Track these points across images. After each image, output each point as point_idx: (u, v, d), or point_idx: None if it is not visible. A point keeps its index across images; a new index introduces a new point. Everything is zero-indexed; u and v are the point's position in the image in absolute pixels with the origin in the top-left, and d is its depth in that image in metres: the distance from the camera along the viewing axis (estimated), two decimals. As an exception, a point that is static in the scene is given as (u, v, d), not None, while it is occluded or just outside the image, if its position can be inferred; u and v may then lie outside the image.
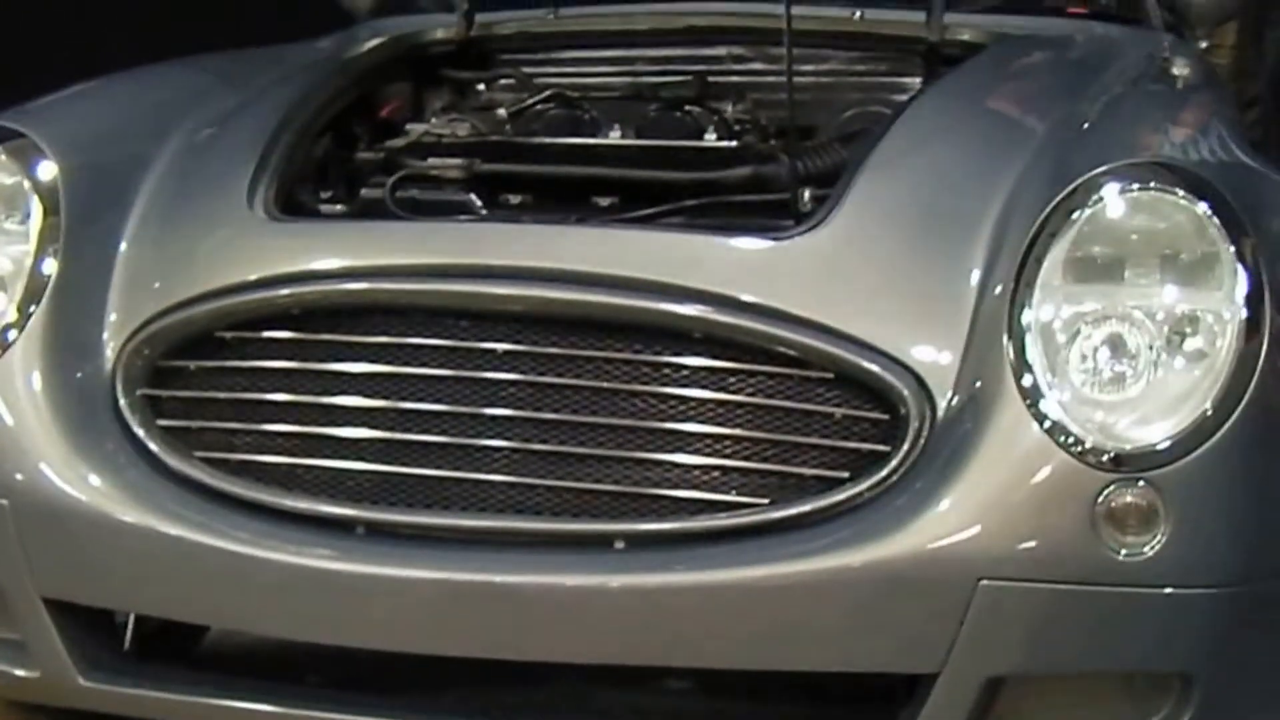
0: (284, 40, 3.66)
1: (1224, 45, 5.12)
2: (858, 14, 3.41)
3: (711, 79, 3.27)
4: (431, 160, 2.92)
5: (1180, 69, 3.29)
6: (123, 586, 2.64)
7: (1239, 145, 2.84)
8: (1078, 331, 2.43)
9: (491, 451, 2.54)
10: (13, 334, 2.70)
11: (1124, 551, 2.35)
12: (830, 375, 2.49)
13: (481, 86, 3.42)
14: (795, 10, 2.87)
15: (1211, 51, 4.08)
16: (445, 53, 3.53)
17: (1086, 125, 2.78)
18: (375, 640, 2.51)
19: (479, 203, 2.84)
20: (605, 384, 2.52)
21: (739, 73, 3.41)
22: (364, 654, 2.55)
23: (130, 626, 2.80)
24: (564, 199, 2.84)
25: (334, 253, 2.70)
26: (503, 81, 3.41)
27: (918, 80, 3.34)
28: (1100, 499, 2.35)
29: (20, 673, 2.73)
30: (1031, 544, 2.36)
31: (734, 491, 2.48)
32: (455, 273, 2.61)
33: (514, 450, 2.53)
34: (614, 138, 2.99)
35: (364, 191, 2.91)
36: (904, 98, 3.16)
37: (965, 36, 3.34)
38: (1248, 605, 2.43)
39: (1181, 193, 2.44)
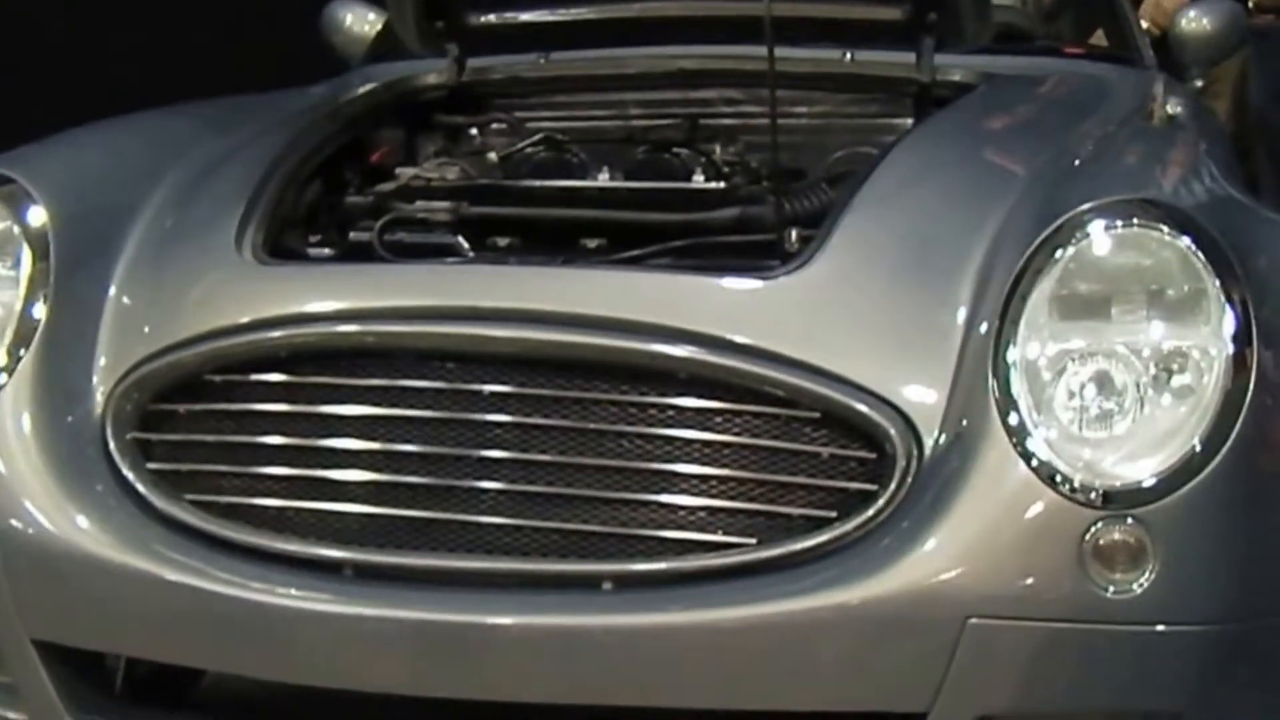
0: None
1: (1222, 83, 5.14)
2: (848, 56, 3.43)
3: (703, 122, 3.28)
4: (419, 203, 2.93)
5: (1172, 108, 3.30)
6: (111, 629, 2.63)
7: (1229, 182, 2.84)
8: (1064, 369, 2.42)
9: (480, 493, 2.54)
10: (2, 378, 2.70)
11: (1112, 589, 2.34)
12: (817, 415, 2.48)
13: (474, 131, 3.43)
14: (786, 53, 2.87)
15: (1205, 92, 4.09)
16: (437, 98, 3.55)
17: (1076, 164, 2.79)
18: (362, 682, 2.50)
19: (466, 245, 2.84)
20: (592, 425, 2.52)
21: (730, 115, 3.42)
22: (360, 698, 2.54)
23: (121, 669, 2.79)
24: (552, 241, 2.85)
25: (321, 296, 2.71)
26: (495, 126, 3.42)
27: (909, 121, 3.35)
28: (1087, 536, 2.34)
29: (10, 715, 2.72)
30: (1019, 582, 2.35)
31: (721, 531, 2.47)
32: (442, 315, 2.61)
33: (502, 491, 2.53)
34: (602, 180, 2.99)
35: (352, 235, 2.92)
36: (895, 139, 3.16)
37: (956, 77, 3.35)
38: (1238, 643, 2.42)
39: (1166, 228, 2.44)
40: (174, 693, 2.92)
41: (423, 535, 2.54)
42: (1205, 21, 3.89)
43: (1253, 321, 2.41)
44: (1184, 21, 3.90)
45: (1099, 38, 4.19)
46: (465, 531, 2.53)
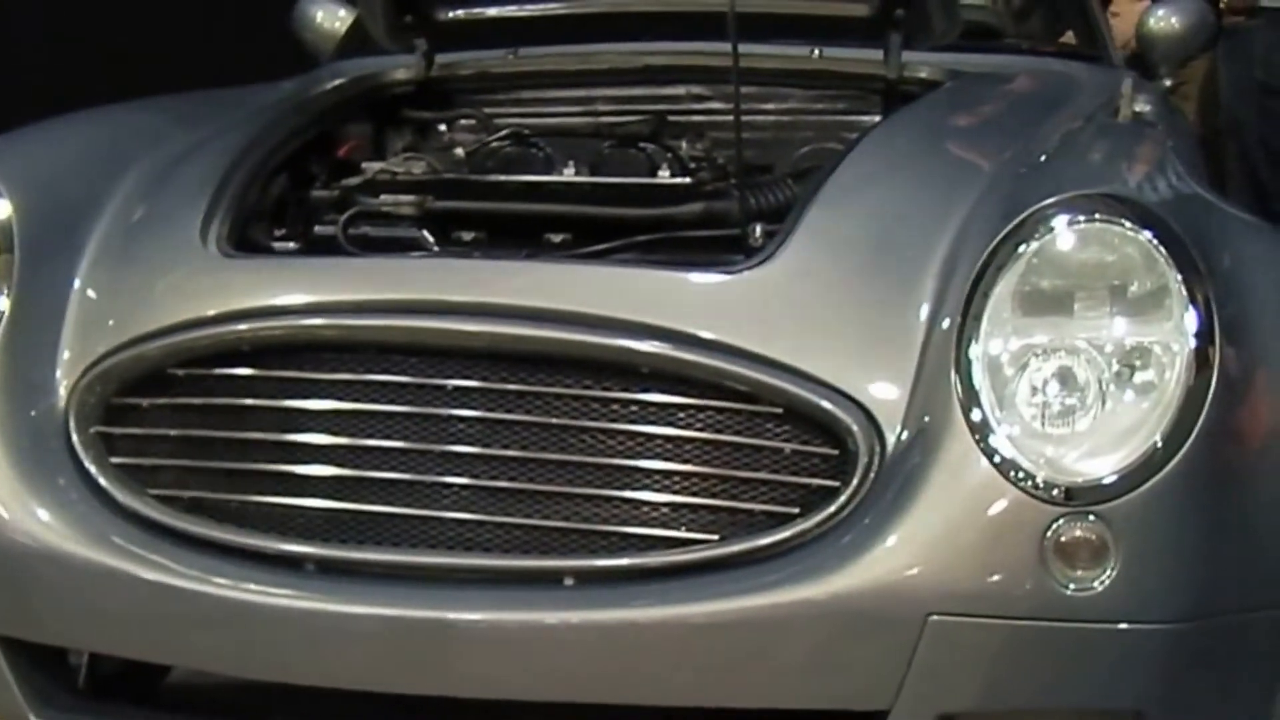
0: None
1: (1191, 84, 5.15)
2: (815, 52, 3.43)
3: (670, 118, 3.28)
4: (384, 197, 2.92)
5: (1140, 106, 3.30)
6: (73, 624, 2.62)
7: (1194, 179, 2.84)
8: (1026, 364, 2.42)
9: (444, 488, 2.53)
10: None
11: (1073, 586, 2.34)
12: (779, 410, 2.48)
13: (442, 126, 3.42)
14: (753, 49, 2.88)
15: (1174, 93, 4.10)
16: (406, 93, 3.54)
17: (1041, 159, 2.79)
18: (324, 677, 2.50)
19: (431, 239, 2.84)
20: (556, 420, 2.52)
21: (698, 112, 3.41)
22: (324, 693, 2.53)
23: (85, 665, 2.78)
24: (517, 236, 2.84)
25: (285, 289, 2.70)
26: (463, 122, 3.41)
27: (876, 118, 3.34)
28: (1049, 533, 2.34)
29: None
30: (981, 579, 2.35)
31: (684, 528, 2.47)
32: (406, 309, 2.60)
33: (466, 487, 2.52)
34: (568, 175, 2.98)
35: (317, 228, 2.91)
36: (860, 134, 3.16)
37: (923, 74, 3.35)
38: (1200, 642, 2.41)
39: (1128, 223, 2.44)
40: (139, 689, 2.90)
41: (386, 530, 2.54)
42: (1174, 20, 3.90)
43: (1215, 318, 2.40)
44: (1153, 20, 3.90)
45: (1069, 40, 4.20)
46: (428, 526, 2.53)
